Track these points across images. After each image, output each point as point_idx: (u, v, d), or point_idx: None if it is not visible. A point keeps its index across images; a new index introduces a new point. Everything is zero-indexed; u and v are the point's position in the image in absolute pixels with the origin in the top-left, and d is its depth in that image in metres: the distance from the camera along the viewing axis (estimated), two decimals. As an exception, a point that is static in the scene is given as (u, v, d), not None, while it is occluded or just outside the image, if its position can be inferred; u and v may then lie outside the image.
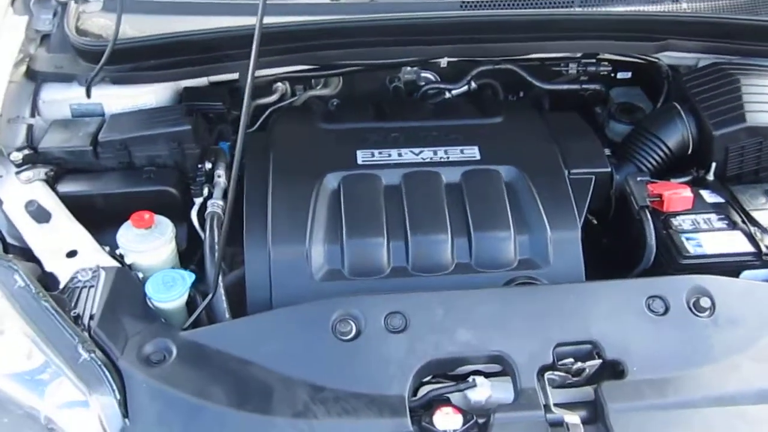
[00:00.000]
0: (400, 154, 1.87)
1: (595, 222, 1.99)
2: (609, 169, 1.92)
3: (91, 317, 1.49)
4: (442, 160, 1.87)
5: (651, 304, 1.54)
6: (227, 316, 1.65)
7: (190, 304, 1.71)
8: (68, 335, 1.42)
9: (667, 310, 1.54)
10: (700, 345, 1.51)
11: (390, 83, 2.36)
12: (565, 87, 2.31)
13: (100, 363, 1.42)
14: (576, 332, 1.51)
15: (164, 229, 1.74)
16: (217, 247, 1.70)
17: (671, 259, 1.75)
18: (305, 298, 1.65)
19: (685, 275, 1.65)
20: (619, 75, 2.39)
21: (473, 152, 1.88)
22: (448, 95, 2.27)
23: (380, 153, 1.88)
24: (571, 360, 1.47)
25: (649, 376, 1.45)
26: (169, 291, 1.63)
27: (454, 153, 1.88)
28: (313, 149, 1.92)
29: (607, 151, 2.01)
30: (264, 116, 2.23)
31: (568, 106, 2.29)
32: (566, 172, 1.87)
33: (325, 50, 2.06)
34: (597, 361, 1.46)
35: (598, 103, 2.38)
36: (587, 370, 1.48)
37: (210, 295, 1.63)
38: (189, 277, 1.67)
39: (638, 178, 1.89)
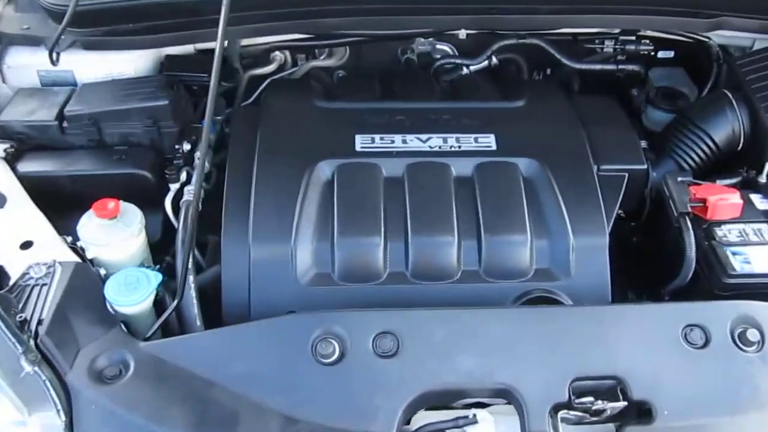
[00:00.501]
0: (404, 141, 1.65)
1: (623, 216, 1.74)
2: (645, 166, 1.68)
3: (40, 322, 1.30)
4: (453, 149, 1.64)
5: (688, 335, 1.32)
6: (198, 323, 1.46)
7: (160, 306, 1.51)
8: (10, 344, 1.23)
9: (707, 342, 1.32)
10: (745, 386, 1.29)
11: (402, 54, 2.12)
12: (599, 67, 2.04)
13: (44, 378, 1.24)
14: (598, 365, 1.30)
15: (131, 220, 1.54)
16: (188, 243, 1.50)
17: (713, 278, 1.51)
18: (289, 304, 1.47)
19: (729, 300, 1.41)
20: (660, 54, 2.12)
21: (489, 141, 1.66)
22: (465, 71, 2.02)
23: (382, 139, 1.65)
24: (591, 399, 1.25)
25: (683, 421, 1.25)
26: (132, 293, 1.43)
27: (467, 141, 1.65)
28: (306, 131, 1.70)
29: (643, 144, 1.76)
30: (260, 89, 2.00)
31: (600, 88, 2.03)
32: (595, 167, 1.64)
33: (327, 17, 1.83)
34: (621, 403, 1.25)
35: (635, 85, 2.11)
36: (608, 411, 1.26)
37: (175, 301, 1.44)
38: (155, 277, 1.47)
39: (679, 179, 1.64)
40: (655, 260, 1.70)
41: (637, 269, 1.72)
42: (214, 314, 1.53)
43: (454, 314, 1.36)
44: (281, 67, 2.08)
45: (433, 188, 1.58)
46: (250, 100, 2.01)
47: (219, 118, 1.86)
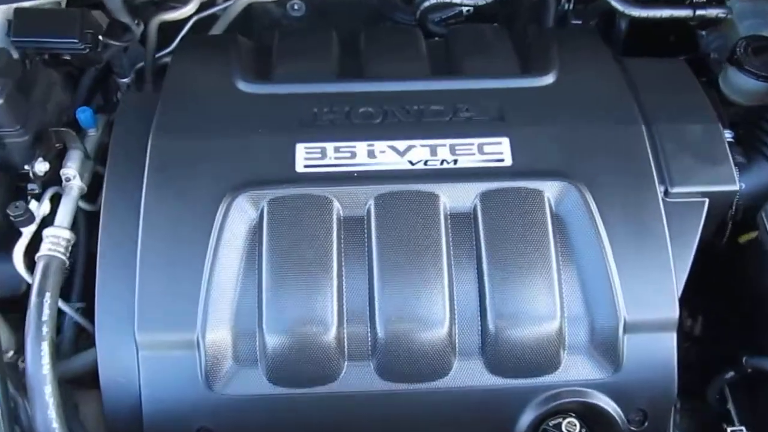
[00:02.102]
0: (372, 153, 1.10)
1: None
2: (736, 188, 1.13)
3: None
4: (446, 166, 1.09)
5: None
6: None
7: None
8: None
9: None
10: None
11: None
12: (668, 13, 1.41)
13: None
14: None
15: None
16: (44, 329, 1.00)
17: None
18: (198, 416, 1.01)
19: None
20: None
21: (500, 150, 1.10)
22: (465, 11, 1.46)
23: (337, 150, 1.10)
24: None
25: None
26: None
27: (467, 152, 1.10)
28: (220, 140, 1.13)
29: (728, 135, 1.20)
30: (173, 45, 1.43)
31: (659, 40, 1.48)
32: (661, 191, 1.09)
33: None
34: None
35: (707, 27, 1.50)
36: None
37: None
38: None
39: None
40: (735, 301, 1.21)
41: (704, 332, 1.24)
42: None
43: None
44: (204, 5, 1.49)
45: (415, 235, 1.04)
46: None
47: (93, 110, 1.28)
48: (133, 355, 1.03)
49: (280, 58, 1.27)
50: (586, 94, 1.19)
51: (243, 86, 1.19)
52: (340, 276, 1.04)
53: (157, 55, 1.48)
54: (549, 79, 1.21)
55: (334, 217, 1.06)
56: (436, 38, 1.44)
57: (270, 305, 1.02)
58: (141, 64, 1.53)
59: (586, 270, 1.06)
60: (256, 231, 1.06)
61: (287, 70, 1.24)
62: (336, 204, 1.06)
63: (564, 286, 1.05)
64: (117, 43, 1.38)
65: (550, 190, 1.08)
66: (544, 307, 1.04)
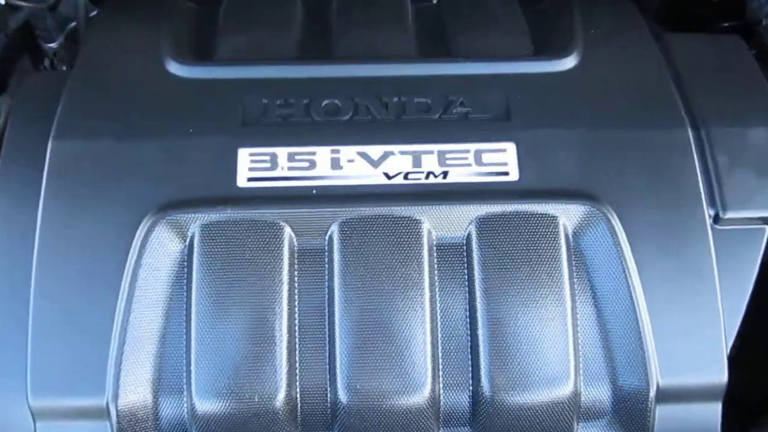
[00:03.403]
0: (336, 162, 0.85)
1: None
2: None
3: None
4: (432, 181, 0.85)
5: None
6: None
7: None
8: None
9: None
10: None
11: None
12: None
13: None
14: None
15: None
16: None
17: None
18: None
19: None
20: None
21: (504, 160, 0.86)
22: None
23: (292, 157, 0.86)
24: None
25: None
26: None
27: (461, 162, 0.86)
28: (138, 143, 0.88)
29: None
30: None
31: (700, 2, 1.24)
32: (711, 216, 0.85)
33: None
34: None
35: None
36: None
37: None
38: None
39: None
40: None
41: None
42: None
43: None
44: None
45: (390, 274, 0.81)
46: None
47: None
48: (30, 426, 0.81)
49: (225, 31, 1.01)
50: (617, 84, 0.94)
51: (174, 68, 0.93)
52: (292, 325, 0.81)
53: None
54: (569, 63, 0.95)
55: (286, 248, 0.82)
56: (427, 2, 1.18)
57: (201, 362, 0.80)
58: (74, 24, 1.32)
59: (611, 319, 0.83)
60: (183, 266, 0.83)
61: (232, 46, 0.98)
62: (288, 231, 0.83)
63: (581, 339, 0.82)
64: (26, 4, 1.16)
65: (568, 215, 0.84)
66: (554, 365, 0.81)
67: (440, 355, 0.83)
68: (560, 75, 0.94)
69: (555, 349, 0.82)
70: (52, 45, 1.29)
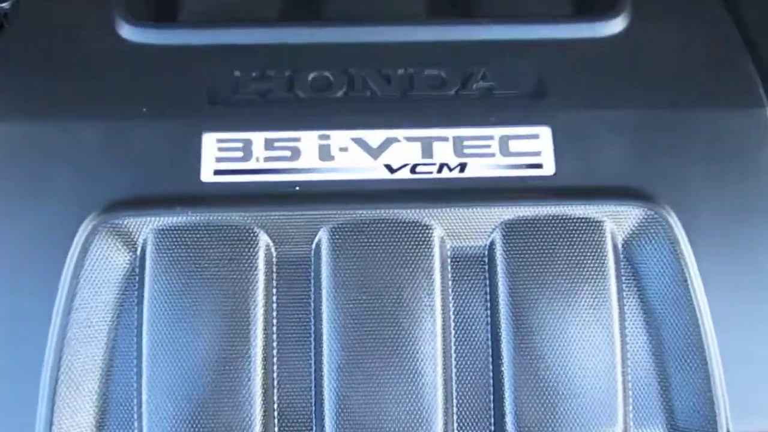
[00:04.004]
0: (326, 151, 0.69)
1: None
2: None
3: None
4: (447, 176, 0.68)
5: None
6: None
7: None
8: None
9: None
10: None
11: None
12: None
13: None
14: None
15: None
16: None
17: None
18: None
19: None
20: None
21: (537, 149, 0.69)
22: None
23: (271, 145, 0.69)
24: None
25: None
26: None
27: (483, 152, 0.69)
28: (79, 125, 0.71)
29: None
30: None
31: None
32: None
33: None
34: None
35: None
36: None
37: None
38: None
39: None
40: None
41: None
42: None
43: None
44: None
45: (393, 293, 0.65)
46: None
47: None
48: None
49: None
50: (676, 52, 0.76)
51: (126, 32, 0.75)
52: (268, 356, 0.66)
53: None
54: (617, 26, 0.76)
55: (261, 260, 0.66)
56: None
57: (155, 402, 0.64)
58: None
59: (670, 351, 0.67)
60: (132, 283, 0.67)
61: (198, 6, 0.81)
62: (264, 239, 0.66)
63: (632, 375, 0.67)
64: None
65: (617, 219, 0.67)
66: (598, 407, 0.65)
67: (454, 393, 0.68)
68: (606, 41, 0.76)
69: (599, 388, 0.66)
70: (4, 5, 1.14)
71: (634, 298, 0.70)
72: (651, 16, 0.80)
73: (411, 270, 0.67)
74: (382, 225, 0.68)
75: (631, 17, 0.79)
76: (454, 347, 0.68)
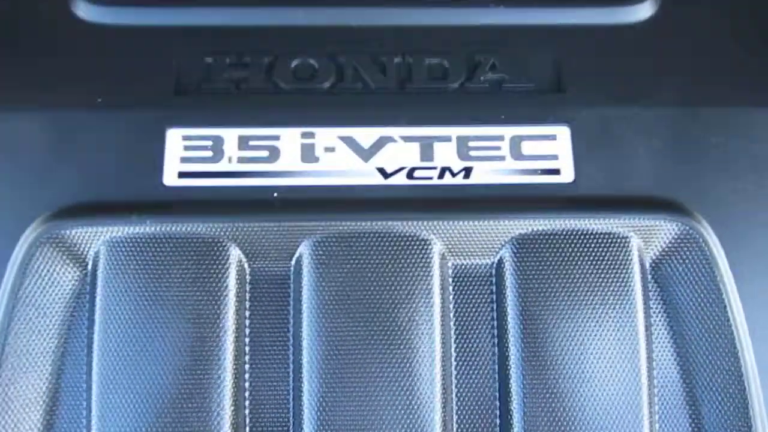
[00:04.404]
0: (309, 151, 0.60)
1: None
2: None
3: None
4: (449, 182, 0.59)
5: None
6: None
7: None
8: None
9: None
10: None
11: None
12: None
13: None
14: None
15: None
16: None
17: None
18: None
19: None
20: None
21: (554, 152, 0.60)
22: None
23: (246, 144, 0.60)
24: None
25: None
26: None
27: (491, 154, 0.60)
28: (28, 118, 0.61)
29: None
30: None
31: None
32: None
33: None
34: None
35: None
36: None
37: None
38: None
39: None
40: None
41: None
42: None
43: None
44: None
45: (387, 316, 0.56)
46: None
47: None
48: None
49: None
50: (712, 41, 0.67)
51: (83, 11, 0.65)
52: (239, 393, 0.57)
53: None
54: (645, 11, 0.67)
55: (232, 278, 0.57)
56: None
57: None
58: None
59: (704, 383, 0.59)
60: (82, 303, 0.58)
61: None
62: (236, 253, 0.58)
63: (659, 408, 0.59)
64: None
65: (644, 234, 0.59)
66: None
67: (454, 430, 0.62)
68: (633, 28, 0.67)
69: (623, 428, 0.60)
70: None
71: (662, 323, 0.61)
72: (683, 0, 0.73)
73: (406, 292, 0.58)
74: (374, 239, 0.59)
75: (660, 1, 0.72)
76: (455, 383, 0.60)
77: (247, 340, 0.59)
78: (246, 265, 0.59)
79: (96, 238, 0.58)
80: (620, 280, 0.59)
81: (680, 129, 0.63)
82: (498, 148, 0.62)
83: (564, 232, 0.59)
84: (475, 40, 0.67)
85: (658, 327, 0.61)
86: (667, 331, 0.62)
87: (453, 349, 0.60)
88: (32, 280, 0.58)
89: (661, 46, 0.67)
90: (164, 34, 0.67)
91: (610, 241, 0.60)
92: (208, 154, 0.61)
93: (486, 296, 0.60)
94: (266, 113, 0.63)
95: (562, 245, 0.59)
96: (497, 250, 0.60)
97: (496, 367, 0.60)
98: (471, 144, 0.62)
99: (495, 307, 0.60)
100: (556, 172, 0.61)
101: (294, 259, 0.59)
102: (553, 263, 0.59)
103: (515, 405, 0.58)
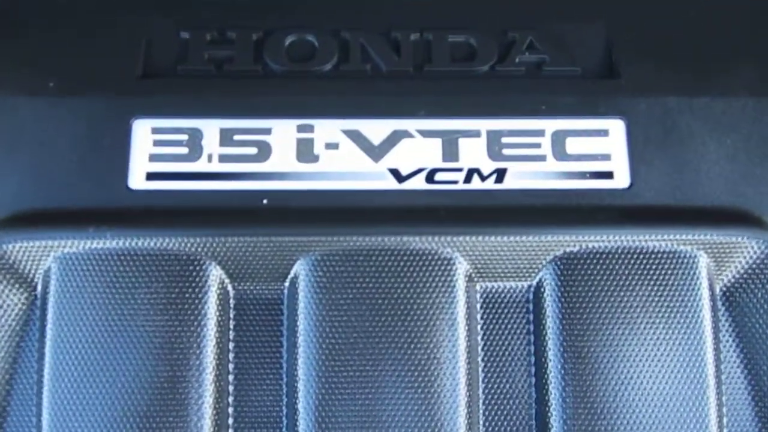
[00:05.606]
0: (309, 150, 0.51)
1: None
2: None
3: None
4: (477, 187, 0.50)
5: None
6: None
7: None
8: None
9: None
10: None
11: None
12: None
13: None
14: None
15: None
16: None
17: None
18: None
19: None
20: None
21: (605, 151, 0.51)
22: None
23: (229, 138, 0.50)
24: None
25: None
26: None
27: (527, 153, 0.51)
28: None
29: None
30: None
31: None
32: None
33: None
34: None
35: None
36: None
37: None
38: None
39: None
40: None
41: None
42: None
43: None
44: None
45: (403, 349, 0.47)
46: None
47: None
48: None
49: None
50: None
51: None
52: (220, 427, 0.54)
53: None
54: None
55: (212, 302, 0.49)
56: None
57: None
58: None
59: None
60: (31, 332, 0.50)
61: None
62: (217, 273, 0.50)
63: None
64: None
65: (716, 253, 0.50)
66: None
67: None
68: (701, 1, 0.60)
69: None
70: None
71: (736, 362, 0.53)
72: None
73: (425, 322, 0.50)
74: (385, 257, 0.50)
75: None
76: (481, 421, 0.54)
77: (230, 377, 0.51)
78: (229, 288, 0.51)
79: (46, 254, 0.50)
80: (686, 309, 0.51)
81: (760, 124, 0.56)
82: (537, 146, 0.54)
83: (617, 251, 0.51)
84: (507, 13, 0.58)
85: (731, 366, 0.53)
86: (742, 372, 0.53)
87: (481, 392, 0.52)
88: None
89: (738, 23, 0.59)
90: (130, 3, 0.59)
91: (673, 261, 0.51)
92: (183, 150, 0.52)
93: (521, 327, 0.52)
94: (254, 101, 0.54)
95: (616, 266, 0.50)
96: (536, 271, 0.52)
97: (533, 412, 0.52)
98: (504, 140, 0.54)
99: (532, 340, 0.53)
100: (609, 175, 0.53)
101: (288, 280, 0.51)
102: (603, 288, 0.50)
103: None
